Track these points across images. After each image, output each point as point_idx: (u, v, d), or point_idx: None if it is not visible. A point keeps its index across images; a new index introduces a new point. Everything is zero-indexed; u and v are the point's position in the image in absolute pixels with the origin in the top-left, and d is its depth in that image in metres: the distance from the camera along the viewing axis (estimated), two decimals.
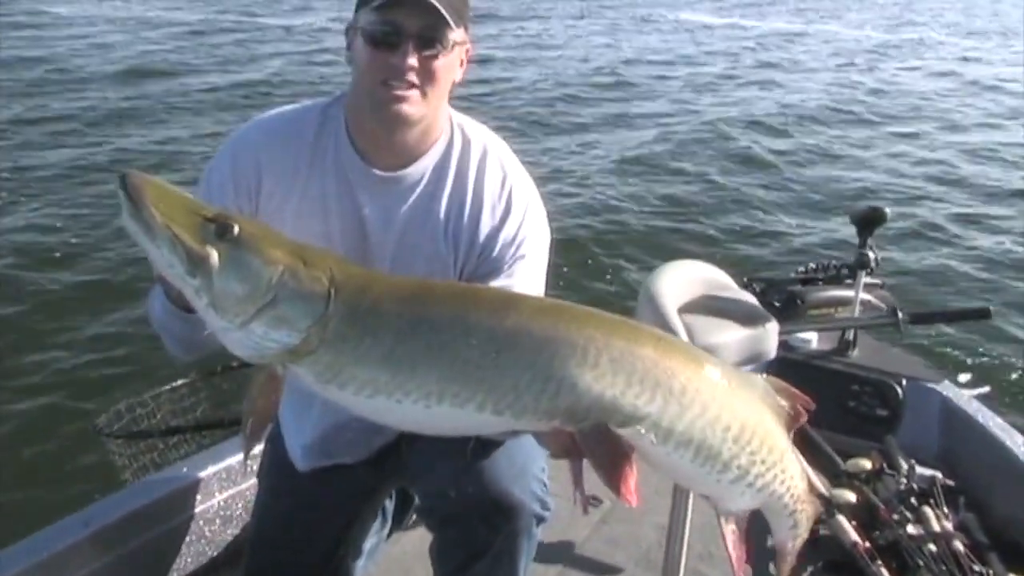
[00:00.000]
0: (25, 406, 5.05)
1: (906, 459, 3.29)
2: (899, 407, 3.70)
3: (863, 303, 3.84)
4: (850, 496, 3.09)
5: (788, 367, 3.80)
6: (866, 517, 3.03)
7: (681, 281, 2.44)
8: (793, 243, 8.30)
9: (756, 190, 9.84)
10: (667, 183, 9.98)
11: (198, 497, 2.74)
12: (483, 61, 15.35)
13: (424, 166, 1.95)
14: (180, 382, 3.17)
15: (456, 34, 1.83)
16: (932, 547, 2.83)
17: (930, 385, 3.73)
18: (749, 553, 1.66)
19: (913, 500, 3.08)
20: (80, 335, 5.89)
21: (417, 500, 2.29)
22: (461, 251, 1.97)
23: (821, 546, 2.99)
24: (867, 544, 2.87)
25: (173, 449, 3.07)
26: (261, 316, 1.41)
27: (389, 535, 2.56)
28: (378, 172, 1.93)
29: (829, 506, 3.04)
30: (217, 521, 2.80)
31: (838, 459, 3.35)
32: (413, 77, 1.80)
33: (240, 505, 2.83)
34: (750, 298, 2.57)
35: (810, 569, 2.96)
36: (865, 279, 3.82)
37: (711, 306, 2.42)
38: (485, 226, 1.96)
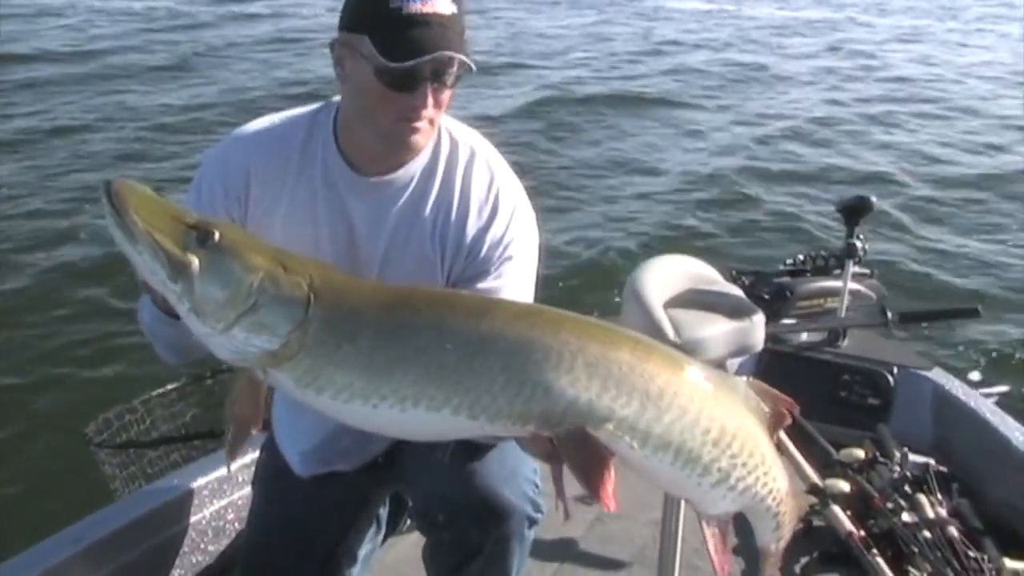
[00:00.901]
0: (13, 414, 5.03)
1: (899, 447, 3.30)
2: (890, 395, 3.71)
3: (852, 293, 3.84)
4: (844, 486, 3.08)
5: (777, 358, 3.81)
6: (860, 506, 3.03)
7: (666, 276, 2.44)
8: (780, 235, 8.29)
9: (741, 182, 9.83)
10: (649, 177, 9.98)
11: (190, 509, 2.73)
12: None
13: (412, 170, 1.95)
14: (170, 387, 3.16)
15: (461, 63, 1.80)
16: (927, 534, 2.84)
17: (921, 372, 3.73)
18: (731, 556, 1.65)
19: (907, 488, 3.09)
20: (68, 341, 5.87)
21: (411, 504, 2.29)
22: (448, 253, 1.96)
23: (816, 537, 3.01)
24: (862, 533, 2.88)
25: (164, 457, 3.07)
26: (242, 321, 1.43)
27: (384, 541, 2.55)
28: (366, 178, 1.93)
29: (823, 496, 3.05)
30: (209, 532, 2.78)
31: (831, 449, 3.35)
32: (430, 112, 1.81)
33: (232, 515, 2.81)
34: (736, 291, 2.56)
35: (805, 560, 2.97)
36: (854, 269, 3.82)
37: (697, 300, 2.41)
38: (472, 227, 1.96)
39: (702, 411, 1.48)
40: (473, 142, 2.02)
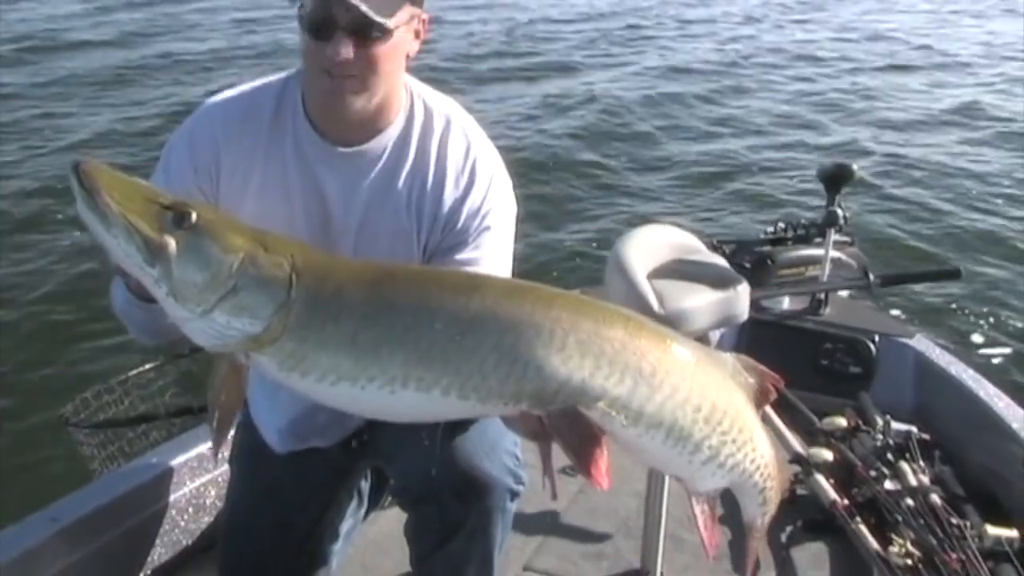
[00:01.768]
0: None
1: (881, 415, 3.30)
2: (872, 363, 3.71)
3: (833, 261, 3.84)
4: (827, 455, 3.09)
5: (760, 328, 3.81)
6: (843, 475, 3.04)
7: (649, 246, 2.42)
8: (762, 202, 8.29)
9: (721, 149, 9.82)
10: (630, 145, 9.93)
11: (169, 487, 2.70)
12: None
13: (385, 140, 1.91)
14: (148, 366, 3.12)
15: (400, 16, 1.76)
16: (909, 502, 2.84)
17: (902, 340, 3.74)
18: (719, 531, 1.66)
19: (889, 456, 3.10)
20: (43, 321, 5.81)
21: (391, 480, 2.27)
22: (425, 224, 1.93)
23: (800, 505, 3.01)
24: (845, 502, 2.88)
25: (143, 436, 3.03)
26: (222, 304, 1.39)
27: (366, 516, 2.54)
28: (338, 148, 1.89)
29: (806, 465, 3.05)
30: (190, 510, 2.76)
31: (813, 418, 3.35)
32: (350, 67, 1.74)
33: (213, 492, 2.79)
34: (720, 261, 2.55)
35: (789, 529, 2.97)
36: (835, 237, 3.82)
37: (681, 270, 2.40)
38: (448, 198, 1.93)
39: (693, 389, 1.47)
40: (449, 110, 1.98)
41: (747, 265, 3.79)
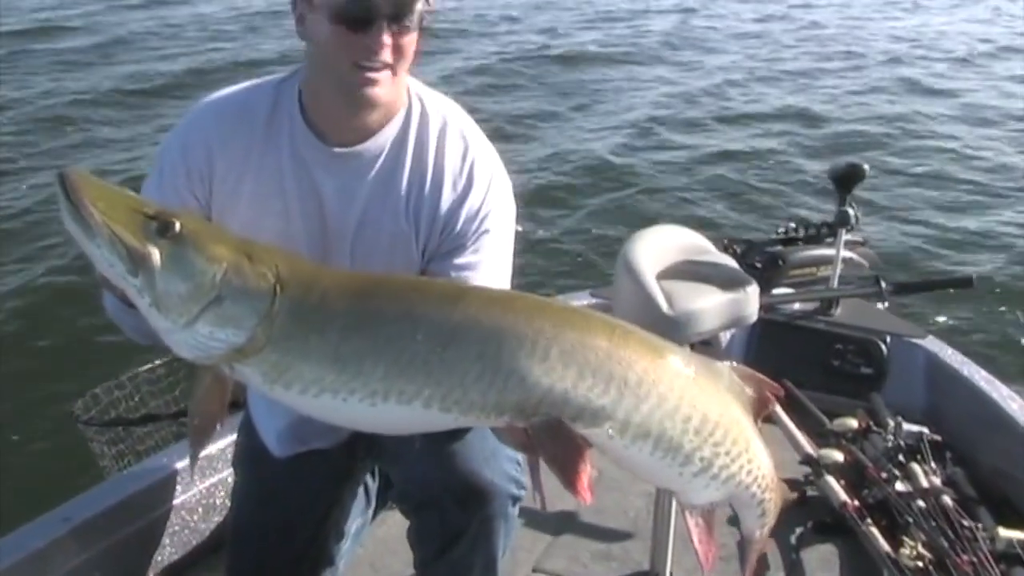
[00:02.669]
0: None
1: (892, 416, 3.29)
2: (883, 364, 3.70)
3: (845, 261, 3.83)
4: (837, 456, 3.08)
5: (771, 328, 3.80)
6: (854, 476, 3.03)
7: (659, 247, 2.41)
8: (772, 203, 8.26)
9: (732, 150, 9.78)
10: (640, 146, 9.90)
11: (179, 487, 2.71)
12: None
13: (382, 141, 1.89)
14: (158, 362, 3.12)
15: (424, 5, 1.76)
16: (921, 503, 2.83)
17: (914, 341, 3.72)
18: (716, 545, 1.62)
19: (901, 457, 3.08)
20: (52, 316, 5.84)
21: (394, 485, 2.26)
22: (423, 226, 1.91)
23: (810, 507, 3.00)
24: (856, 503, 2.87)
25: (153, 433, 3.04)
26: (205, 315, 1.37)
27: (374, 516, 2.54)
28: (334, 149, 1.87)
29: (817, 467, 3.04)
30: (199, 510, 2.77)
31: (824, 419, 3.35)
32: (387, 56, 1.74)
33: (222, 493, 2.80)
34: (730, 261, 2.54)
35: (799, 530, 2.96)
36: (846, 237, 3.80)
37: (690, 271, 2.39)
38: (447, 200, 1.91)
39: (683, 399, 1.44)
40: (446, 110, 1.96)
41: (758, 265, 3.79)
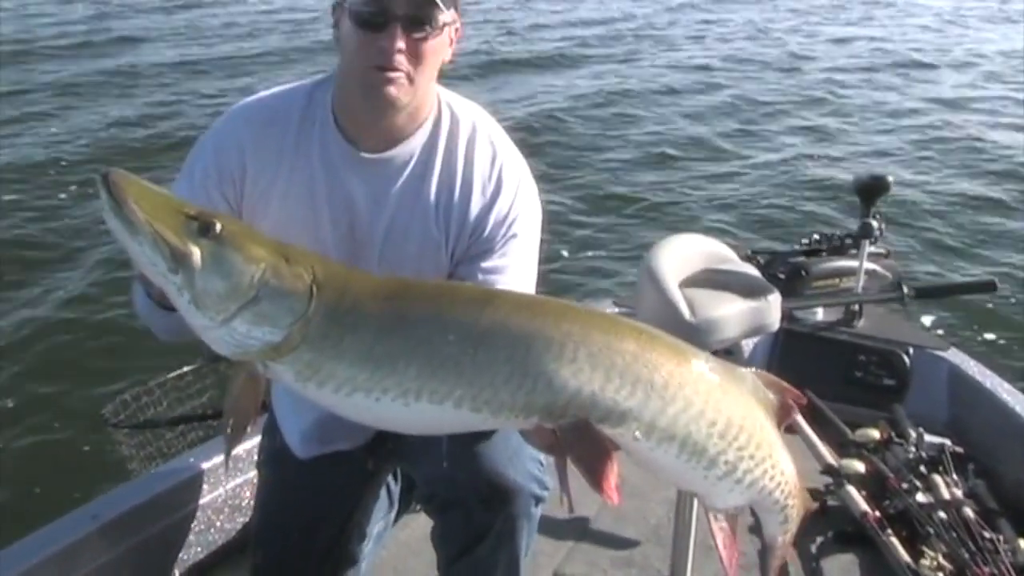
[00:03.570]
0: (31, 396, 5.07)
1: (914, 428, 3.29)
2: (906, 376, 3.69)
3: (868, 273, 3.83)
4: (859, 466, 3.08)
5: (794, 339, 3.80)
6: (875, 487, 3.03)
7: (681, 255, 2.43)
8: (796, 214, 8.24)
9: (757, 161, 9.78)
10: (666, 155, 9.91)
11: (205, 487, 2.75)
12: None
13: (412, 147, 1.92)
14: (186, 369, 3.16)
15: (446, 15, 1.79)
16: (942, 515, 2.83)
17: (937, 353, 3.71)
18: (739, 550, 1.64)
19: (922, 468, 3.08)
20: (84, 323, 5.90)
21: (417, 485, 2.29)
22: (452, 232, 1.94)
23: (831, 517, 3.01)
24: (877, 514, 2.87)
25: (181, 437, 3.08)
26: (243, 313, 1.41)
27: (397, 519, 2.56)
28: (365, 154, 1.91)
29: (838, 477, 3.05)
30: (225, 510, 2.80)
31: (846, 429, 3.35)
32: (402, 60, 1.77)
33: (248, 493, 2.83)
34: (752, 270, 2.55)
35: (820, 540, 2.97)
36: (870, 248, 3.80)
37: (712, 279, 2.40)
38: (476, 206, 1.94)
39: (708, 402, 1.46)
40: (475, 116, 1.99)
41: (781, 275, 3.79)
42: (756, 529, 1.75)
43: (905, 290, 3.71)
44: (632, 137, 10.53)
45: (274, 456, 2.24)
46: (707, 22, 18.08)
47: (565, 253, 7.12)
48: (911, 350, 3.72)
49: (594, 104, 11.87)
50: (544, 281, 2.05)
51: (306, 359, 1.43)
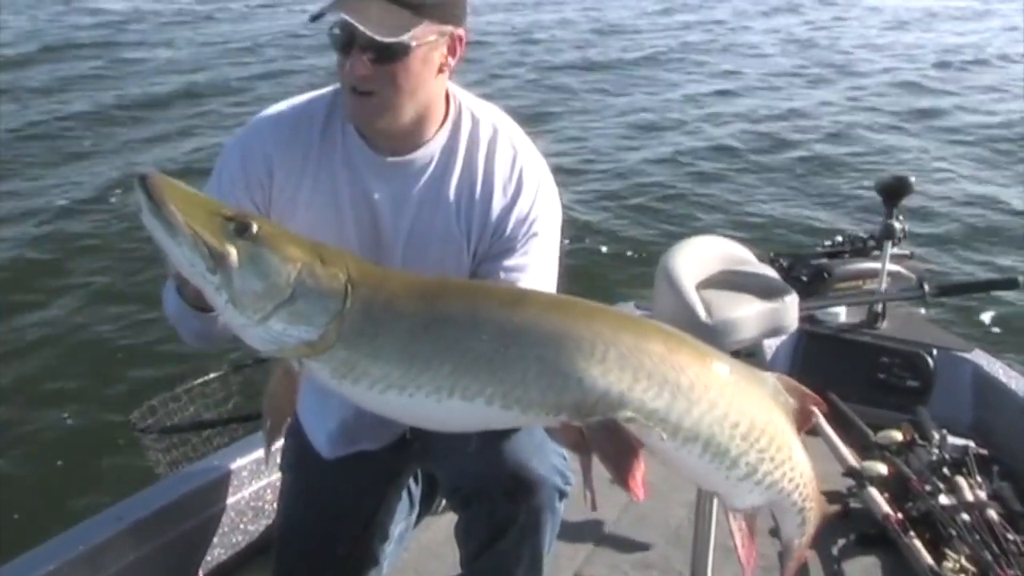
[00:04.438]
0: (59, 402, 5.13)
1: (938, 429, 3.26)
2: (930, 378, 3.67)
3: (891, 274, 3.81)
4: (881, 468, 3.07)
5: (816, 341, 3.79)
6: (898, 489, 3.02)
7: (699, 257, 2.43)
8: (820, 216, 8.21)
9: (780, 162, 9.75)
10: (685, 158, 9.91)
11: (230, 489, 2.78)
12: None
13: (432, 149, 1.95)
14: (212, 375, 3.21)
15: (422, 33, 1.78)
16: (965, 517, 2.81)
17: (961, 354, 3.69)
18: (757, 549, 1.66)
19: (945, 470, 3.06)
20: (112, 329, 5.98)
21: (442, 481, 2.31)
22: (474, 232, 1.97)
23: (853, 519, 3.00)
24: (899, 515, 2.86)
25: (206, 442, 3.12)
26: (280, 312, 1.44)
27: (418, 521, 2.58)
28: (386, 158, 1.94)
29: (860, 479, 3.03)
30: (249, 512, 2.83)
31: (868, 431, 3.33)
32: (372, 83, 1.78)
33: (271, 495, 2.85)
34: (769, 271, 2.54)
35: (842, 542, 2.95)
36: (892, 250, 3.79)
37: (729, 281, 2.40)
38: (497, 205, 1.97)
39: (732, 405, 1.49)
40: (495, 119, 2.02)
41: (804, 278, 3.79)
42: (776, 532, 1.75)
43: (926, 288, 3.69)
44: (650, 137, 10.55)
45: (299, 459, 2.27)
46: (729, 29, 18.00)
47: (586, 255, 7.15)
48: (935, 351, 3.70)
49: (607, 103, 11.90)
50: (564, 282, 2.07)
51: (341, 356, 1.47)
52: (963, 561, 2.65)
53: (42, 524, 3.03)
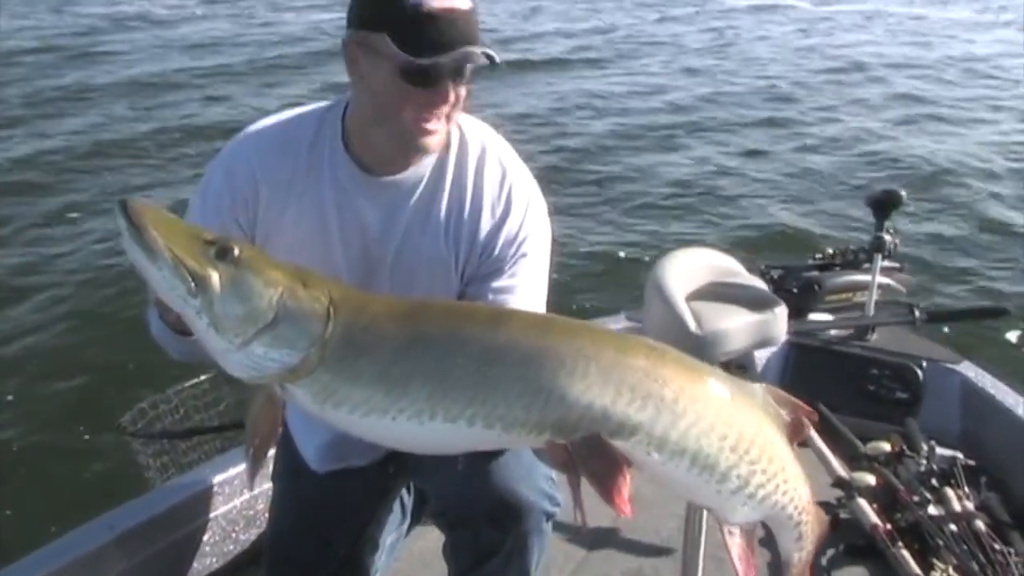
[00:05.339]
0: (48, 404, 5.15)
1: (926, 441, 3.29)
2: (919, 389, 3.69)
3: (881, 287, 3.84)
4: (870, 479, 3.09)
5: (806, 353, 3.81)
6: (887, 499, 3.03)
7: (688, 268, 2.44)
8: (811, 228, 8.24)
9: (770, 175, 9.79)
10: (676, 167, 9.95)
11: (220, 498, 2.78)
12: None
13: (422, 169, 1.94)
14: (203, 377, 3.21)
15: (484, 58, 1.80)
16: (953, 527, 2.84)
17: (950, 366, 3.71)
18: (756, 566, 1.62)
19: (934, 481, 3.09)
20: (101, 331, 5.98)
21: (429, 500, 2.30)
22: (462, 252, 1.96)
23: (841, 529, 3.00)
24: (888, 526, 2.88)
25: (197, 447, 3.13)
26: (261, 336, 1.42)
27: (409, 531, 2.58)
28: (375, 178, 1.92)
29: (849, 489, 3.05)
30: (241, 521, 2.83)
31: (857, 442, 3.35)
32: (447, 109, 1.81)
33: (263, 505, 2.86)
34: (759, 283, 2.56)
35: (830, 553, 2.96)
36: (883, 263, 3.81)
37: (719, 292, 2.42)
38: (485, 225, 1.95)
39: (719, 417, 1.46)
40: (484, 137, 2.00)
41: (794, 290, 3.81)
42: (765, 542, 1.75)
43: (917, 314, 3.73)
44: (644, 151, 10.57)
45: (289, 469, 2.26)
46: (724, 44, 18.07)
47: (575, 268, 7.14)
48: (924, 363, 3.72)
49: (597, 111, 11.92)
50: (554, 298, 2.06)
51: (323, 381, 1.45)
52: (950, 571, 2.68)
53: (31, 533, 3.02)
